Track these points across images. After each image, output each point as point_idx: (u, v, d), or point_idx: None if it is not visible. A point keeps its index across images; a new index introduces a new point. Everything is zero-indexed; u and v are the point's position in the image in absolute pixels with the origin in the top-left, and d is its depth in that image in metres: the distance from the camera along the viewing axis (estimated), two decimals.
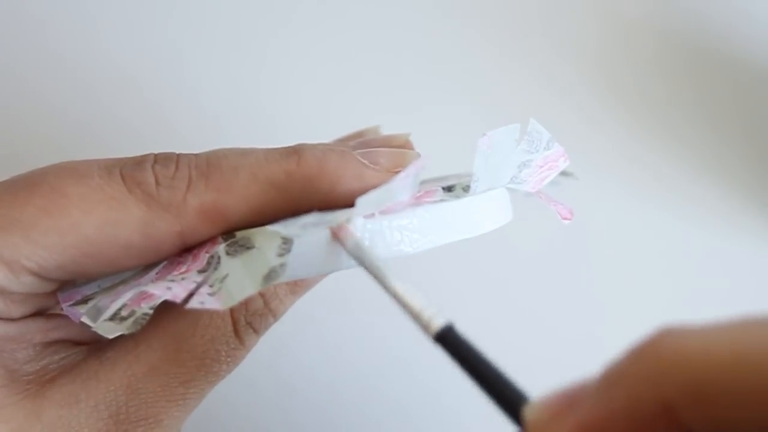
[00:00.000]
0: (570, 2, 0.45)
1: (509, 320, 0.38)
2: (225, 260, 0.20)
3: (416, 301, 0.18)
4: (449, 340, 0.17)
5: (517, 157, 0.23)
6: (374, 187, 0.23)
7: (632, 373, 0.14)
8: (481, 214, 0.22)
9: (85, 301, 0.22)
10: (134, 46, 0.43)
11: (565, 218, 0.24)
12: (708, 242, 0.41)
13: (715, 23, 0.44)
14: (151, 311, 0.20)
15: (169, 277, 0.20)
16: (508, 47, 0.44)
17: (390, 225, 0.20)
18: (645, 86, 0.43)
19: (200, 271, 0.20)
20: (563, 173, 0.28)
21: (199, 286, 0.19)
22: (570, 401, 0.15)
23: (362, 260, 0.19)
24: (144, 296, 0.20)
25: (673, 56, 0.44)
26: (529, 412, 0.16)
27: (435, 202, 0.22)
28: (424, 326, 0.17)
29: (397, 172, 0.23)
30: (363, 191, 0.23)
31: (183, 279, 0.20)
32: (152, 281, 0.21)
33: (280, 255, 0.19)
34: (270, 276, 0.19)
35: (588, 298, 0.39)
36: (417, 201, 0.22)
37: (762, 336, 0.13)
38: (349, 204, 0.22)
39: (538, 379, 0.17)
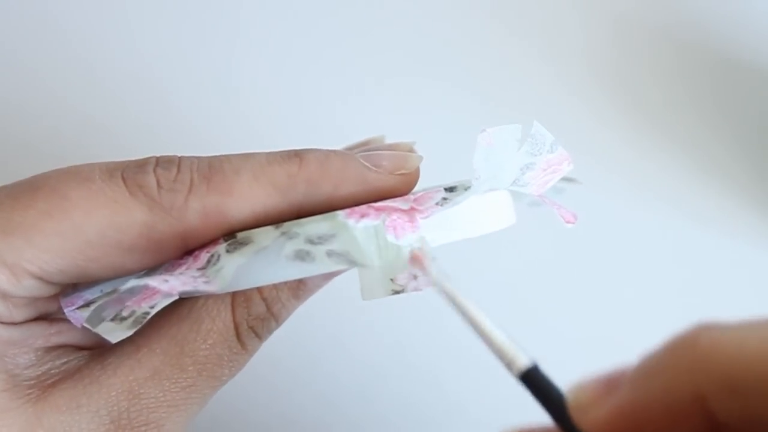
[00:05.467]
0: (572, 5, 0.45)
1: (511, 323, 0.38)
2: (224, 257, 0.20)
3: (500, 338, 0.18)
4: (533, 380, 0.17)
5: (520, 159, 0.23)
6: (376, 189, 0.23)
7: (669, 364, 0.15)
8: (483, 214, 0.22)
9: (87, 305, 0.22)
10: (133, 49, 0.43)
11: (569, 222, 0.24)
12: (709, 243, 0.40)
13: (716, 26, 0.44)
14: (151, 310, 0.20)
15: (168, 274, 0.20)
16: (509, 51, 0.44)
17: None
18: (645, 88, 0.43)
19: (199, 269, 0.20)
20: (567, 179, 0.28)
21: (195, 279, 0.19)
22: (608, 386, 0.16)
23: (444, 289, 0.19)
24: (144, 296, 0.20)
25: (673, 58, 0.44)
26: (570, 394, 0.17)
27: (440, 210, 0.22)
28: (508, 364, 0.17)
29: (399, 175, 0.23)
30: (365, 194, 0.23)
31: (181, 274, 0.19)
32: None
33: (275, 239, 0.19)
34: (260, 252, 0.19)
35: (590, 300, 0.39)
36: (417, 202, 0.22)
37: None
38: (350, 206, 0.22)
39: None
